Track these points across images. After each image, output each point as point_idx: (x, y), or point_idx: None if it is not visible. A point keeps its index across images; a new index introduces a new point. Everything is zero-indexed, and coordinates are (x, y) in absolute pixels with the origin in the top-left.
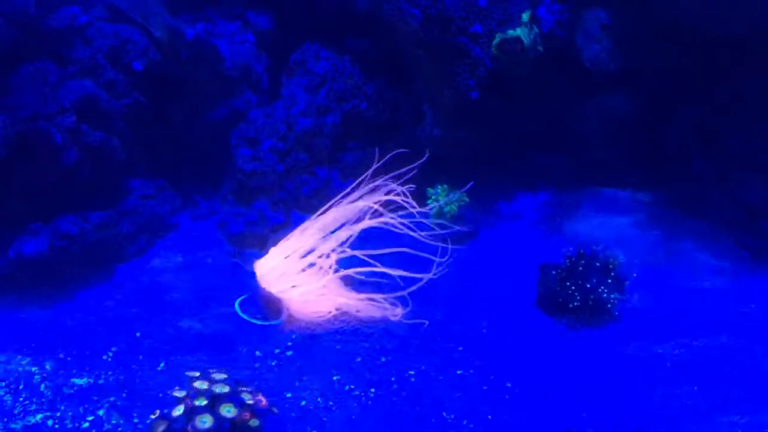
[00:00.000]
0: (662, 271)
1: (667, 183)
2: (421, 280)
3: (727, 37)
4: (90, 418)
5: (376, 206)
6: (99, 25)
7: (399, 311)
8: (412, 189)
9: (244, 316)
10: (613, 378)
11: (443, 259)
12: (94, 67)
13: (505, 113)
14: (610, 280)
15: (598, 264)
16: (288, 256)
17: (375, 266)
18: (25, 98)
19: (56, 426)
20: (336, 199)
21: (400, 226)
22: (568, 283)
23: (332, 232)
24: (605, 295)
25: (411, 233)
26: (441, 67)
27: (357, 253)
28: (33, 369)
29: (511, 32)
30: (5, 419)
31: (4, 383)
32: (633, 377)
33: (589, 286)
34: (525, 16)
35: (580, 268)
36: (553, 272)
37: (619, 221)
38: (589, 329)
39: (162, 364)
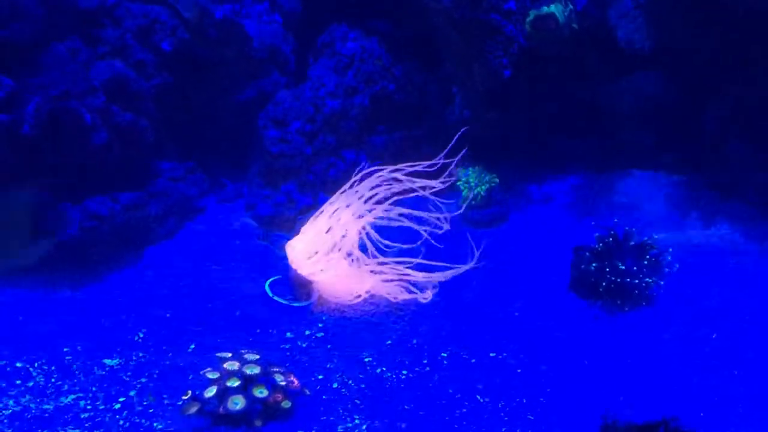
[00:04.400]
0: (700, 253)
1: (703, 165)
2: (450, 262)
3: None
4: (122, 399)
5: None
6: (128, 5)
7: (429, 294)
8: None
9: (275, 298)
10: (649, 362)
11: (473, 242)
12: (123, 48)
13: (537, 93)
14: (645, 263)
15: (632, 246)
16: (318, 238)
17: (404, 246)
18: (55, 77)
19: (88, 407)
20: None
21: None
22: (602, 266)
23: (360, 215)
24: (641, 278)
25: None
26: (472, 46)
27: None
28: (65, 350)
29: (545, 9)
30: (38, 400)
31: (36, 364)
32: (670, 362)
33: (624, 268)
34: None
35: (615, 251)
36: (587, 254)
37: (655, 203)
38: (625, 312)
39: (192, 345)
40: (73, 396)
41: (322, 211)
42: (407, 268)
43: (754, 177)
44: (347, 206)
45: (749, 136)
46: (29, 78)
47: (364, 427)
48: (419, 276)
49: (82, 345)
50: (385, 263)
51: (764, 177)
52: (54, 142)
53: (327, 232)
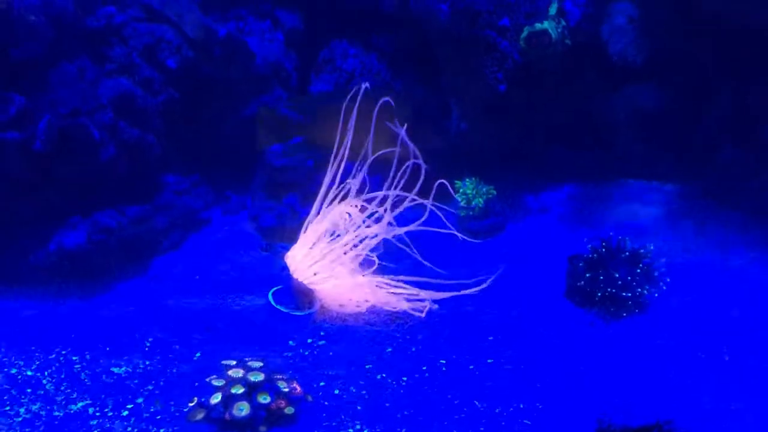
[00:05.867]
0: (693, 260)
1: (697, 174)
2: (449, 272)
3: (758, 27)
4: (129, 406)
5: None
6: (134, 24)
7: (428, 303)
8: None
9: (278, 307)
10: (643, 368)
11: (472, 252)
12: (129, 65)
13: (532, 106)
14: (639, 271)
15: (626, 255)
16: (319, 247)
17: (405, 255)
18: (65, 95)
19: (97, 413)
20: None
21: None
22: (596, 275)
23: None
24: (634, 286)
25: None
26: (469, 61)
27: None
28: (74, 358)
29: (538, 25)
30: (48, 407)
31: (47, 372)
32: (664, 367)
33: (617, 276)
34: (552, 9)
35: (608, 260)
36: (581, 263)
37: (648, 212)
38: (619, 320)
39: (198, 354)
40: (82, 403)
41: (320, 220)
42: (406, 279)
43: (746, 184)
44: (346, 215)
45: (742, 144)
46: (40, 95)
47: None
48: (421, 293)
49: (91, 353)
50: (385, 274)
51: (756, 184)
52: (64, 158)
53: (327, 241)
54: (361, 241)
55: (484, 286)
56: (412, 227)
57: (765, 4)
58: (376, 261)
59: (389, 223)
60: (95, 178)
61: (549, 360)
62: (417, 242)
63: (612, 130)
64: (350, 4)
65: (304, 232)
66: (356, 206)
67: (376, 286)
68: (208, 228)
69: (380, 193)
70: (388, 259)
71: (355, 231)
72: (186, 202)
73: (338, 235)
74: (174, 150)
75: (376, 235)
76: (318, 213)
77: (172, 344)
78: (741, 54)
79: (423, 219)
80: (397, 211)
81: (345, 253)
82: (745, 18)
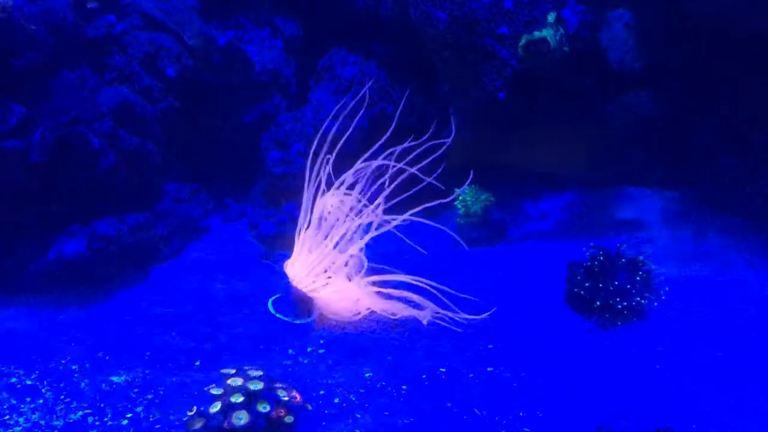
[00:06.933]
0: (691, 267)
1: (694, 180)
2: (448, 279)
3: (753, 34)
4: (129, 415)
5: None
6: (134, 33)
7: (429, 312)
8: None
9: (278, 315)
10: (643, 375)
11: (470, 260)
12: (129, 74)
13: (531, 114)
14: (638, 278)
15: (625, 262)
16: (316, 253)
17: (404, 262)
18: (64, 103)
19: (96, 423)
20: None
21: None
22: (595, 282)
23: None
24: (633, 294)
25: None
26: (468, 69)
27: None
28: (73, 368)
29: (537, 33)
30: (48, 416)
31: (46, 381)
32: (663, 374)
33: (616, 283)
34: (551, 18)
35: (607, 268)
36: (581, 271)
37: (647, 219)
38: (618, 327)
39: (197, 363)
40: (81, 412)
41: (316, 227)
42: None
43: (743, 190)
44: (344, 221)
45: (738, 150)
46: (41, 104)
47: None
48: (421, 312)
49: (90, 363)
50: (385, 281)
51: (751, 190)
52: (64, 166)
53: (326, 248)
54: (354, 234)
55: (485, 316)
56: (406, 215)
57: (758, 12)
58: (365, 262)
59: (384, 220)
60: (95, 186)
61: (549, 367)
62: (415, 250)
63: (611, 137)
64: (350, 12)
65: (298, 237)
66: (345, 200)
67: (376, 293)
68: (208, 236)
69: (374, 163)
70: (387, 265)
71: (345, 223)
72: (186, 210)
73: (333, 231)
74: (174, 158)
75: (369, 227)
76: (310, 215)
77: (172, 353)
78: (736, 61)
79: (418, 210)
80: (390, 202)
81: (341, 252)
82: (739, 25)
